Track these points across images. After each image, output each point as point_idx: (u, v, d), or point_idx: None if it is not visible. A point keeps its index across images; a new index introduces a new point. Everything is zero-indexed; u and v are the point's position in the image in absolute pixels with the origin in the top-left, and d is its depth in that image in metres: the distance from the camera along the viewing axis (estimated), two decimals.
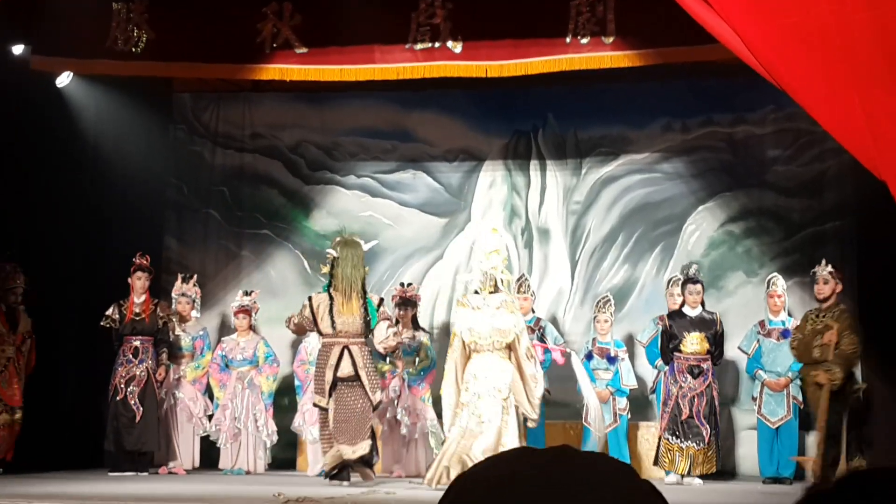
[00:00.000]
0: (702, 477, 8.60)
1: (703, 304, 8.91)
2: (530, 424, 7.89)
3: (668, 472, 8.69)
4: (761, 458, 8.94)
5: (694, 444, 8.54)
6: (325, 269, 8.13)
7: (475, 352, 7.37)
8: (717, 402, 8.74)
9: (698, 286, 8.85)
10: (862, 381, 8.40)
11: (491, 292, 7.43)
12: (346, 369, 7.86)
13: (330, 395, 7.86)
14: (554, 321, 9.97)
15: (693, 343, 8.70)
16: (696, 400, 8.60)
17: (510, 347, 7.42)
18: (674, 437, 8.58)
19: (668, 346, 8.79)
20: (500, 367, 7.33)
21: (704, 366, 8.69)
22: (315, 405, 8.15)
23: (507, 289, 7.65)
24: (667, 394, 8.74)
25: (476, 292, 7.50)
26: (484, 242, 7.66)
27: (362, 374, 7.89)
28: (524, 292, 9.37)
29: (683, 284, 8.92)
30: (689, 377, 8.65)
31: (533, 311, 9.45)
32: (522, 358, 7.36)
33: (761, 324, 9.10)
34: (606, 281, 10.26)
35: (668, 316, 8.95)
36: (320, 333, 8.10)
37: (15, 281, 8.87)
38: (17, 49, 9.14)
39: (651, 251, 10.31)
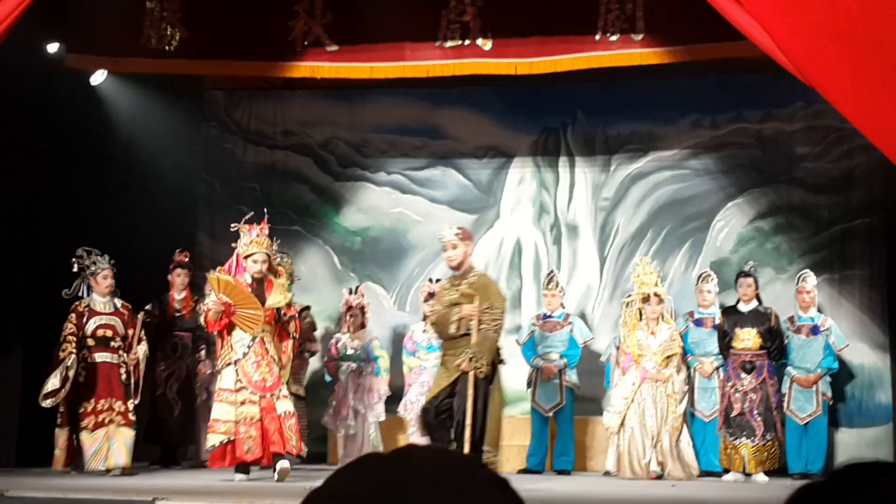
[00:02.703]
0: (767, 473, 8.52)
1: (758, 298, 8.88)
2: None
3: (726, 471, 8.65)
4: (790, 454, 8.91)
5: (749, 441, 8.49)
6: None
7: None
8: (773, 399, 8.66)
9: (749, 279, 8.83)
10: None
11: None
12: None
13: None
14: (583, 317, 10.00)
15: (745, 339, 8.63)
16: (748, 396, 8.54)
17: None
18: (729, 436, 8.57)
19: (722, 342, 8.77)
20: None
21: (758, 362, 8.63)
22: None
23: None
24: (722, 391, 8.73)
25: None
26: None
27: None
28: (552, 288, 9.42)
29: (736, 279, 8.94)
30: (743, 373, 8.59)
31: (562, 307, 9.50)
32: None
33: (791, 320, 9.07)
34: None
35: (722, 312, 8.94)
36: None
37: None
38: (53, 47, 9.27)
39: (680, 247, 10.32)
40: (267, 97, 11.15)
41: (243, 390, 7.34)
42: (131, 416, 8.10)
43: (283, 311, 7.64)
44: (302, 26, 8.87)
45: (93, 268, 8.24)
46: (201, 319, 7.83)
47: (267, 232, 7.68)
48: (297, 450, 7.43)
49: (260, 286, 7.58)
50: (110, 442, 7.93)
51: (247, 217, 7.69)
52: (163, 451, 9.29)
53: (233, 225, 7.73)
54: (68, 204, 9.45)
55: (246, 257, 7.60)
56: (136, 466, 8.21)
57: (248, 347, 7.43)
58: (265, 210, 7.86)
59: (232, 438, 7.35)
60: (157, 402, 9.23)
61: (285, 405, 7.44)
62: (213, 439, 7.44)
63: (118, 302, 8.40)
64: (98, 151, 9.86)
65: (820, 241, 9.93)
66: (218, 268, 7.74)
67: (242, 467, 7.45)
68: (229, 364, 7.42)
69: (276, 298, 7.57)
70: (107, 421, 7.96)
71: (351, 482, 1.19)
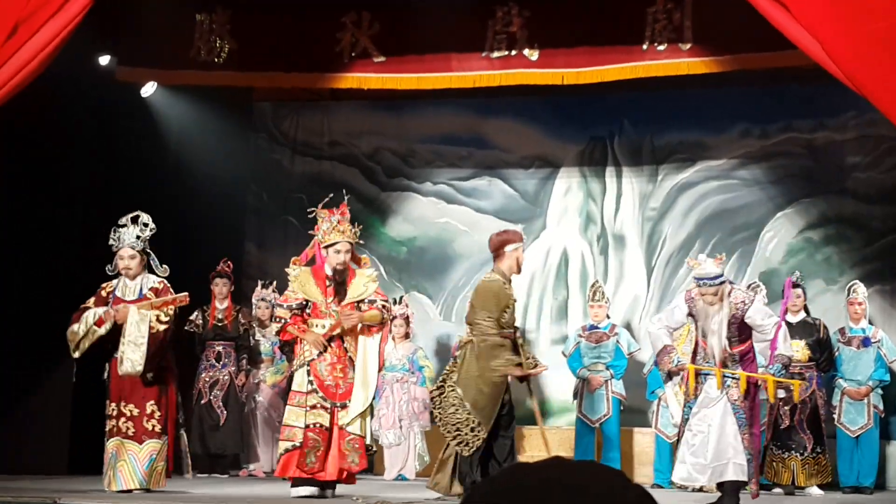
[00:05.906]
0: (821, 487, 8.43)
1: (806, 309, 8.78)
2: None
3: (772, 484, 8.54)
4: (841, 467, 8.80)
5: (797, 454, 8.41)
6: None
7: None
8: (822, 411, 8.57)
9: (798, 290, 8.73)
10: None
11: None
12: None
13: None
14: (629, 328, 9.94)
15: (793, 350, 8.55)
16: (798, 409, 8.45)
17: None
18: (776, 448, 8.47)
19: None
20: None
21: (807, 374, 8.54)
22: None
23: None
24: (770, 403, 8.65)
25: None
26: None
27: None
28: (598, 299, 9.37)
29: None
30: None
31: (608, 318, 9.45)
32: None
33: (841, 331, 8.95)
34: (683, 288, 10.18)
35: None
36: None
37: None
38: (104, 60, 9.39)
39: (728, 258, 10.21)
40: (314, 108, 11.22)
41: (314, 393, 6.63)
42: (147, 425, 6.80)
43: (365, 301, 6.77)
44: (349, 38, 8.92)
45: (115, 244, 7.00)
46: (274, 329, 7.21)
47: (348, 217, 6.83)
48: (358, 467, 6.75)
49: (341, 280, 6.77)
50: (114, 459, 6.79)
51: (325, 201, 6.86)
52: (209, 460, 9.37)
53: (310, 210, 6.94)
54: (118, 214, 9.54)
55: (327, 247, 6.76)
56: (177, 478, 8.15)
57: (325, 346, 6.70)
58: (343, 193, 7.12)
59: (298, 445, 6.63)
60: (202, 411, 9.34)
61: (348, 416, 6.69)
62: (282, 446, 6.78)
63: (149, 283, 6.91)
64: (148, 162, 9.96)
65: (871, 252, 9.81)
66: (293, 259, 7.01)
67: (303, 482, 6.69)
68: (303, 365, 6.70)
69: (356, 291, 6.77)
70: (115, 430, 6.81)
71: (498, 492, 1.20)
